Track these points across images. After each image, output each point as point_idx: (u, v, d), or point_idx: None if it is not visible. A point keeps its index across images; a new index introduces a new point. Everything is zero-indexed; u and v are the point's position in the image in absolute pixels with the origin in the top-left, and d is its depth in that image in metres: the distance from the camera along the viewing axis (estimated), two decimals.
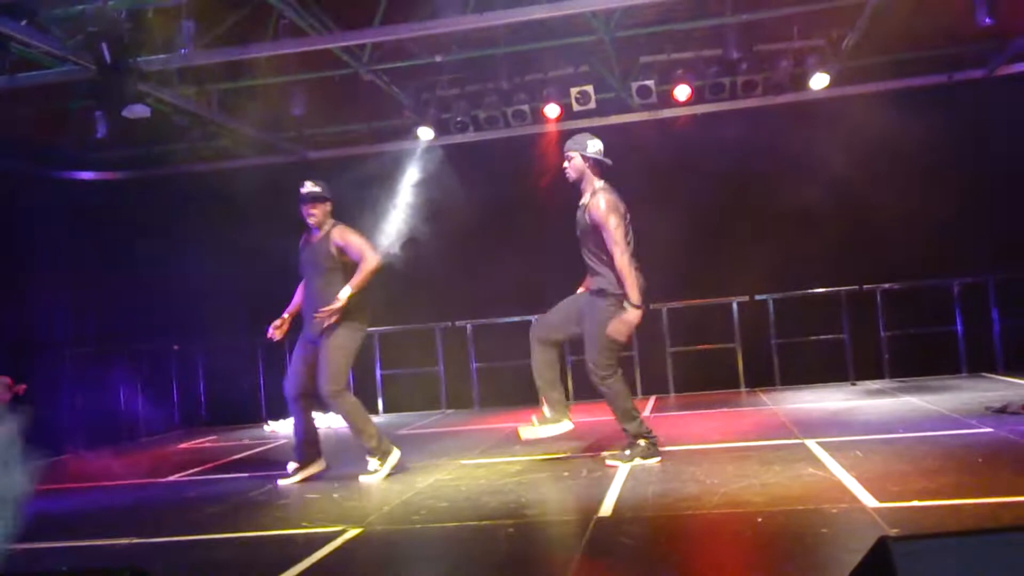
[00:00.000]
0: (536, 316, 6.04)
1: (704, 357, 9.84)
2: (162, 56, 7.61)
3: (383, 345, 10.33)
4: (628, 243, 5.34)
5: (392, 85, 9.25)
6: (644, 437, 5.54)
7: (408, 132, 10.06)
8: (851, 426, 6.55)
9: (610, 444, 6.13)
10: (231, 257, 9.96)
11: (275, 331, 5.94)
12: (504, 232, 10.12)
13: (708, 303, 9.82)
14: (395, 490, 5.38)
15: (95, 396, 9.59)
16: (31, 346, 8.80)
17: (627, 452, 5.53)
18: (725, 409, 8.30)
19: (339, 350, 5.65)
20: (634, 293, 5.29)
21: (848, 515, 3.93)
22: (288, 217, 8.74)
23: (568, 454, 6.15)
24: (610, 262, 5.36)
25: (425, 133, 9.85)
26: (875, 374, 9.43)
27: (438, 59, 8.67)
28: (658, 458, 5.53)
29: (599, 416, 7.49)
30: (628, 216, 5.45)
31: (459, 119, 9.66)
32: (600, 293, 5.43)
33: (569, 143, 5.59)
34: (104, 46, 7.13)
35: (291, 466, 6.01)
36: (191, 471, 7.07)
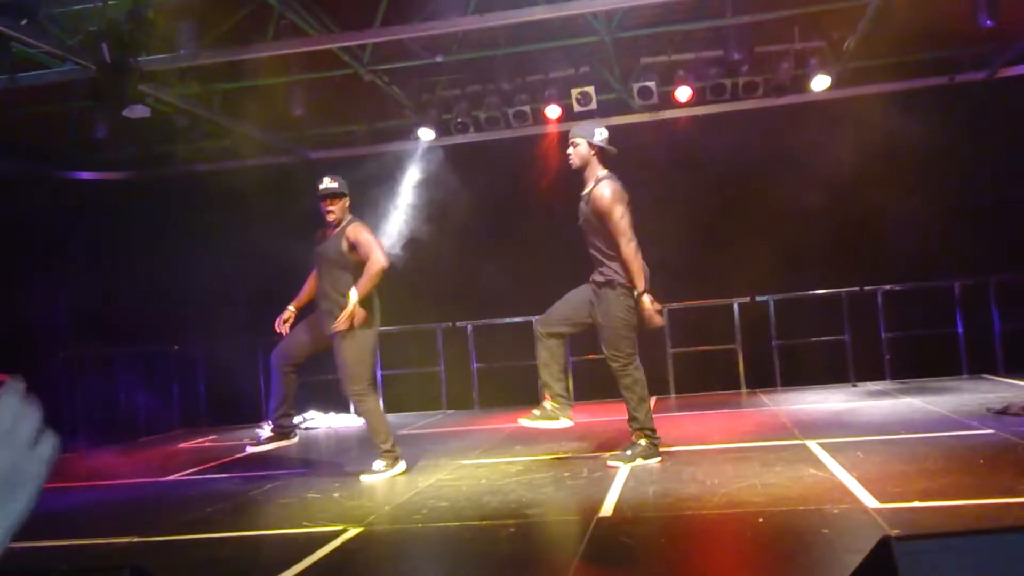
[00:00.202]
0: (537, 317, 6.03)
1: (705, 358, 9.84)
2: (163, 56, 7.61)
3: (384, 345, 10.30)
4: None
5: (393, 85, 9.24)
6: (649, 431, 5.53)
7: (409, 132, 10.06)
8: (852, 427, 6.54)
9: (611, 444, 6.12)
10: (232, 257, 9.96)
11: (282, 325, 5.94)
12: (505, 233, 10.12)
13: (709, 304, 9.82)
14: (396, 490, 5.37)
15: (95, 395, 9.60)
16: (31, 346, 8.80)
17: (628, 452, 5.52)
18: (726, 410, 8.30)
19: (354, 350, 5.65)
20: (639, 280, 5.30)
21: (849, 516, 3.93)
22: (289, 217, 8.79)
23: (569, 454, 6.15)
24: (615, 251, 5.35)
25: (426, 134, 9.85)
26: (876, 375, 9.42)
27: (439, 59, 8.66)
28: (659, 458, 5.52)
29: (600, 416, 7.49)
30: (631, 206, 5.44)
31: (460, 120, 9.66)
32: (608, 284, 5.42)
33: (575, 130, 5.57)
34: (104, 46, 7.14)
35: (263, 433, 6.03)
36: (191, 470, 7.07)
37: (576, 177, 5.63)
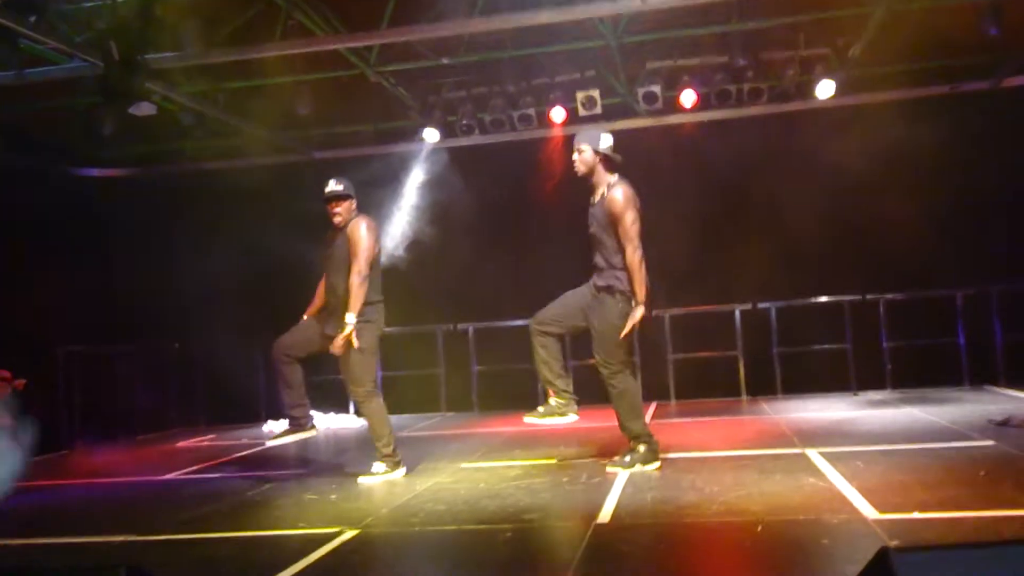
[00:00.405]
0: None
1: (706, 364, 9.82)
2: (170, 54, 7.62)
3: (384, 346, 10.28)
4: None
5: (399, 86, 9.26)
6: (645, 440, 5.52)
7: (414, 134, 10.05)
8: (852, 436, 6.52)
9: (610, 450, 6.11)
10: (234, 256, 9.95)
11: None
12: (507, 236, 10.11)
13: (710, 310, 9.80)
14: (394, 492, 5.36)
15: (94, 392, 9.59)
16: (31, 342, 8.80)
17: (627, 458, 5.51)
18: (726, 417, 8.28)
19: (356, 352, 5.63)
20: (641, 291, 5.29)
21: (848, 526, 3.91)
22: (293, 216, 8.79)
23: (568, 459, 6.13)
24: (622, 261, 5.33)
25: (431, 135, 9.85)
26: (877, 384, 9.40)
27: (445, 61, 8.68)
28: (658, 465, 5.51)
29: (599, 421, 7.48)
30: (641, 214, 5.42)
31: (465, 122, 9.66)
32: (608, 290, 5.40)
33: (580, 136, 5.55)
34: (112, 43, 7.16)
35: (277, 428, 6.01)
36: (189, 469, 7.06)
37: (580, 182, 5.61)
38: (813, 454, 5.70)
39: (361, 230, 5.64)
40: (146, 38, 7.34)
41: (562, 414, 5.61)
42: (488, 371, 10.15)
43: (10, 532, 4.95)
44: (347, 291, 5.56)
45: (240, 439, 8.87)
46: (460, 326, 10.29)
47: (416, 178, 9.80)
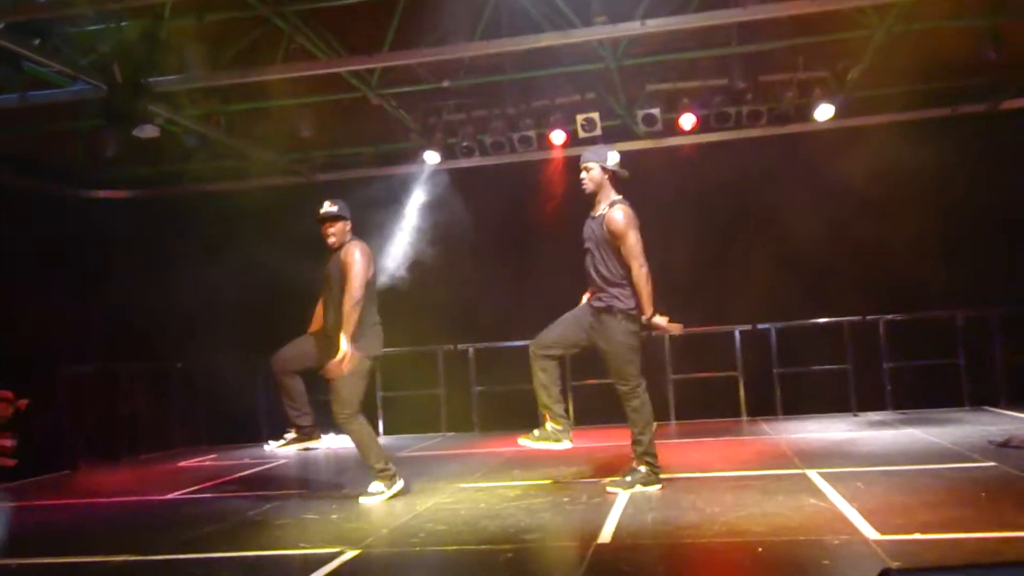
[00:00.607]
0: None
1: (706, 385, 9.82)
2: (173, 77, 7.69)
3: (385, 366, 10.32)
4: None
5: (400, 109, 9.32)
6: (650, 457, 5.53)
7: (415, 156, 10.11)
8: (853, 457, 6.52)
9: (611, 470, 6.11)
10: (237, 276, 9.98)
11: None
12: (508, 257, 10.15)
13: (710, 331, 9.82)
14: (394, 513, 5.36)
15: (97, 412, 9.59)
16: (33, 362, 8.81)
17: (628, 479, 5.51)
18: (726, 437, 8.28)
19: (347, 380, 5.64)
20: (649, 305, 5.32)
21: (849, 547, 3.91)
22: (293, 238, 8.81)
23: (568, 479, 6.13)
24: (619, 276, 5.37)
25: (431, 157, 9.91)
26: (877, 405, 9.40)
27: (445, 84, 8.74)
28: (659, 486, 5.51)
29: (600, 442, 7.48)
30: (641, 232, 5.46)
31: (465, 144, 9.72)
32: (609, 310, 5.43)
33: (588, 154, 5.60)
34: (116, 66, 7.23)
35: (288, 435, 6.00)
36: (190, 489, 7.05)
37: (580, 204, 5.66)
38: (813, 474, 5.70)
39: (355, 254, 5.68)
40: (149, 61, 7.41)
41: (556, 440, 5.63)
42: (488, 391, 10.16)
43: (11, 552, 4.94)
44: (339, 303, 5.59)
45: (242, 458, 8.87)
46: (461, 346, 10.31)
47: (417, 199, 9.85)
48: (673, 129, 9.58)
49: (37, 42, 6.83)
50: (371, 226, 9.21)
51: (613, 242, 5.39)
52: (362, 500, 5.72)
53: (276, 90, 8.41)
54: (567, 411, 5.79)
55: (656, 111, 9.19)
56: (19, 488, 7.68)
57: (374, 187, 9.75)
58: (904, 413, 9.08)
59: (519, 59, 8.62)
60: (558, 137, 9.53)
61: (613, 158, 5.52)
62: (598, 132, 9.33)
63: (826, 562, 3.72)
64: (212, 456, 9.38)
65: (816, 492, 5.13)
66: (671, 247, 8.56)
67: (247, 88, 8.46)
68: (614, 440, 5.68)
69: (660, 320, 5.41)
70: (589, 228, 5.56)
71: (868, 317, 9.51)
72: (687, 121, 9.33)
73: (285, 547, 4.67)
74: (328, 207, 5.81)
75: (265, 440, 9.69)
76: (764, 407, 9.65)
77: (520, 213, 10.11)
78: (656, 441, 5.68)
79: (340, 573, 4.05)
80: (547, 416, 5.64)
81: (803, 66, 9.00)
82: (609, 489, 5.51)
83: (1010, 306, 9.10)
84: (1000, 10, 7.77)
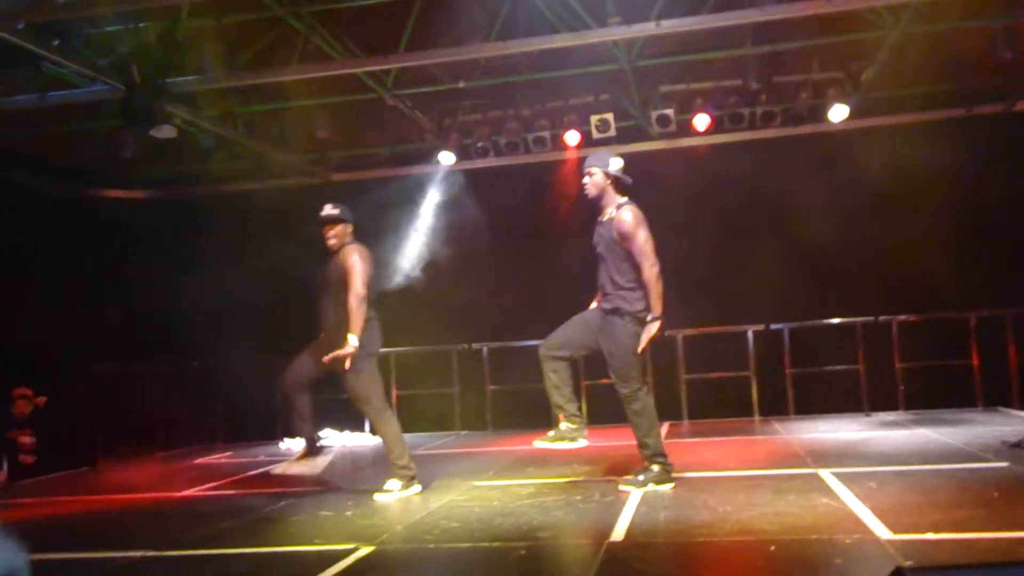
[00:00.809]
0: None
1: (718, 384, 9.83)
2: (190, 77, 7.76)
3: (399, 365, 10.38)
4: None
5: (415, 110, 9.37)
6: (661, 457, 5.55)
7: (430, 156, 10.16)
8: (865, 457, 6.52)
9: (623, 469, 6.13)
10: (253, 276, 10.05)
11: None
12: (522, 257, 10.18)
13: (723, 331, 9.82)
14: (409, 510, 5.41)
15: (116, 410, 9.68)
16: (51, 361, 8.91)
17: (640, 477, 5.53)
18: (739, 437, 8.28)
19: (358, 380, 5.75)
20: (658, 305, 5.35)
21: (862, 546, 3.92)
22: (309, 238, 8.87)
23: (581, 478, 6.16)
24: (629, 279, 5.40)
25: (446, 157, 9.95)
26: (890, 406, 9.38)
27: (461, 85, 8.78)
28: (671, 484, 5.52)
29: (613, 441, 7.50)
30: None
31: (480, 144, 9.76)
32: (616, 312, 5.46)
33: (590, 159, 5.64)
34: (134, 67, 7.30)
35: (296, 444, 6.08)
36: (206, 486, 7.12)
37: (593, 204, 5.68)
38: (826, 474, 5.70)
39: (354, 256, 5.76)
40: (167, 62, 7.49)
41: (572, 439, 5.65)
42: (502, 391, 10.19)
43: (30, 547, 5.01)
44: (346, 313, 5.65)
45: (257, 456, 8.94)
46: (475, 346, 10.35)
47: (432, 200, 9.90)
48: (687, 130, 9.58)
49: (56, 43, 6.91)
50: (387, 226, 9.28)
51: (623, 244, 5.41)
52: (377, 497, 5.77)
53: (292, 91, 8.49)
54: (580, 409, 5.82)
55: (670, 112, 9.21)
56: (38, 484, 7.78)
57: (389, 187, 9.80)
58: (916, 413, 9.06)
59: (534, 60, 8.64)
60: (572, 138, 9.56)
61: (615, 163, 5.55)
62: (612, 133, 9.34)
63: (838, 561, 3.74)
64: (228, 453, 9.46)
65: (828, 492, 5.14)
66: (685, 247, 8.58)
67: (264, 89, 8.52)
68: (627, 439, 5.70)
69: (655, 328, 5.40)
70: (598, 234, 5.60)
71: (881, 318, 9.49)
72: (701, 122, 9.34)
73: (300, 543, 4.72)
74: (329, 210, 5.89)
75: (280, 438, 9.83)
76: (776, 407, 9.64)
77: (534, 214, 10.14)
78: (668, 440, 5.69)
79: (355, 569, 4.10)
80: (561, 416, 5.67)
81: (817, 67, 9.00)
82: (622, 488, 5.53)
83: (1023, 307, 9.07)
84: (1015, 10, 7.74)
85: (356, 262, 5.73)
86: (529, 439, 5.94)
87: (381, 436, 5.97)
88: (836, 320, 9.62)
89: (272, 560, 4.49)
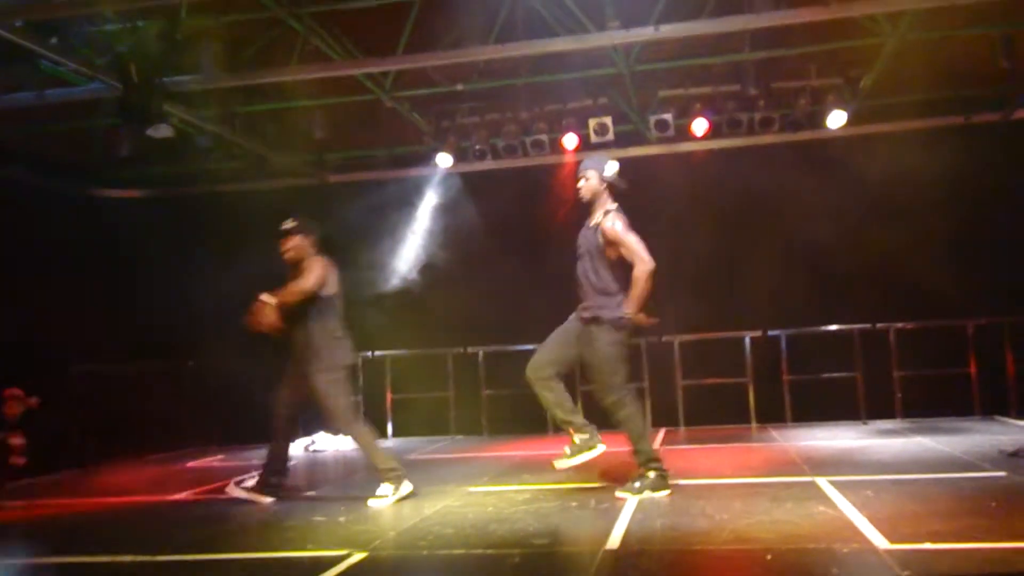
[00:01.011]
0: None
1: (715, 391, 9.80)
2: (188, 77, 7.73)
3: (394, 369, 10.34)
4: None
5: (413, 112, 9.34)
6: (655, 463, 5.52)
7: (428, 158, 10.13)
8: (862, 465, 6.50)
9: (620, 476, 6.10)
10: (249, 277, 9.98)
11: None
12: (518, 260, 10.15)
13: (720, 337, 9.80)
14: (402, 516, 5.37)
15: (106, 411, 9.62)
16: (47, 361, 8.87)
17: (636, 484, 5.50)
18: (735, 444, 8.26)
19: (327, 391, 5.80)
20: (636, 303, 5.33)
21: (859, 556, 3.89)
22: None
23: (577, 484, 6.12)
24: (609, 285, 5.39)
25: (444, 160, 9.93)
26: (887, 413, 9.37)
27: (459, 87, 8.76)
28: (667, 491, 5.50)
29: (610, 447, 7.46)
30: None
31: (478, 147, 9.73)
32: (595, 320, 5.45)
33: (586, 162, 5.62)
34: (132, 65, 7.27)
35: (250, 481, 6.12)
36: (199, 489, 7.07)
37: (585, 206, 5.68)
38: (823, 482, 5.68)
39: (313, 267, 5.84)
40: (165, 61, 7.46)
41: (590, 448, 5.60)
42: (497, 395, 10.16)
43: (19, 551, 4.97)
44: (311, 334, 5.82)
45: (250, 459, 8.88)
46: (470, 350, 10.31)
47: (429, 202, 9.87)
48: (685, 135, 9.57)
49: (54, 41, 6.89)
50: (384, 228, 9.25)
51: (608, 250, 5.40)
52: (370, 503, 5.73)
53: (291, 91, 8.45)
54: (583, 418, 5.77)
55: (668, 116, 9.19)
56: (28, 486, 7.72)
57: (387, 189, 9.77)
58: (914, 422, 9.05)
59: (532, 63, 8.63)
60: (570, 141, 9.54)
61: (611, 168, 5.53)
62: (611, 137, 9.32)
63: (835, 570, 3.70)
64: (220, 456, 9.41)
65: (825, 500, 5.11)
66: (682, 252, 8.56)
67: (262, 89, 8.49)
68: (623, 446, 5.67)
69: (641, 316, 5.41)
70: (583, 236, 5.60)
71: (878, 325, 9.48)
72: (699, 127, 9.32)
73: (293, 549, 4.68)
74: (287, 223, 5.97)
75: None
76: (773, 414, 9.62)
77: (531, 217, 10.12)
78: (665, 447, 5.67)
79: (347, 575, 4.06)
80: (571, 431, 5.62)
81: (816, 73, 8.99)
82: (618, 495, 5.50)
83: (1022, 315, 9.05)
84: (1013, 19, 7.74)
85: (312, 269, 5.81)
86: (525, 444, 5.92)
87: (359, 446, 6.04)
88: (834, 327, 9.61)
89: (265, 565, 4.44)
